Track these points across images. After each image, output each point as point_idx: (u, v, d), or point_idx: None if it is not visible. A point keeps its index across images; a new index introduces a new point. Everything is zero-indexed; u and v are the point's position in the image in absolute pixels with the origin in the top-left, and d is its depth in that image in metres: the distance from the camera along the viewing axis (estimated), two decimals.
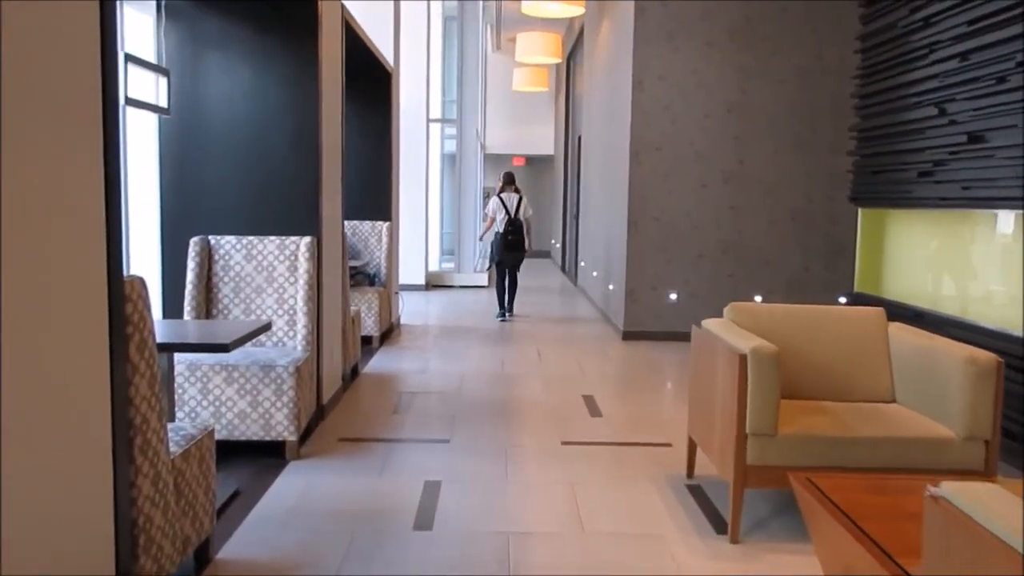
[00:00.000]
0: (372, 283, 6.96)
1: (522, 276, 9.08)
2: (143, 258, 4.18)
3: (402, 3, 8.01)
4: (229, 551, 2.78)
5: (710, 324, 3.46)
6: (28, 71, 1.55)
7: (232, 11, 4.11)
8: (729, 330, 3.25)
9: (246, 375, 3.66)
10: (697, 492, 3.47)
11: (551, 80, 17.49)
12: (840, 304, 6.53)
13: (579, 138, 12.71)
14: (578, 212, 12.67)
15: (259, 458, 3.72)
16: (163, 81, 3.80)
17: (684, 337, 7.16)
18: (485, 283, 11.76)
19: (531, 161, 20.21)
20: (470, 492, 3.43)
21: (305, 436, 4.06)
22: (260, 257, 4.12)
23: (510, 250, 8.53)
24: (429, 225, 11.33)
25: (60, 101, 1.68)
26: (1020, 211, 3.79)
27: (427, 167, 10.91)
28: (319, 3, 4.18)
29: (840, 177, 6.94)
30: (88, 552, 1.81)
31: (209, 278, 4.10)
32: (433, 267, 12.34)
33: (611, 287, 8.39)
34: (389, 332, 7.24)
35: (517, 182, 9.13)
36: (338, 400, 4.88)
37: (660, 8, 7.24)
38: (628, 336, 7.45)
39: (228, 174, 4.20)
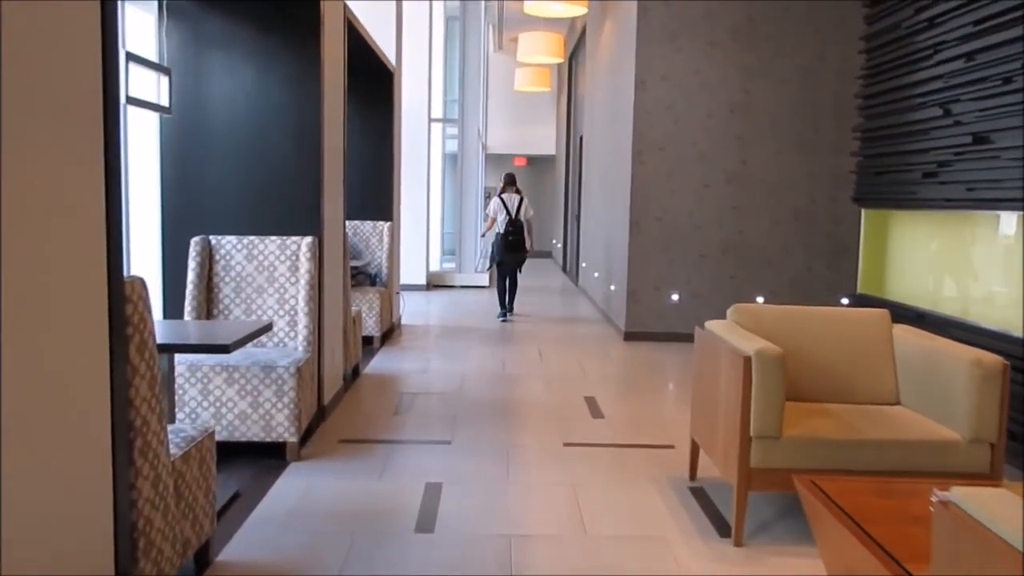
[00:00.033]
0: (373, 283, 6.95)
1: (523, 276, 9.08)
2: (144, 258, 4.16)
3: (404, 3, 8.00)
4: (229, 553, 2.77)
5: (713, 325, 3.44)
6: (28, 70, 1.53)
7: (234, 11, 4.09)
8: (733, 332, 3.24)
9: (247, 376, 3.64)
10: (700, 494, 3.45)
11: (553, 80, 17.47)
12: (842, 305, 6.51)
13: (581, 138, 12.70)
14: (579, 212, 12.65)
15: (259, 459, 3.70)
16: (164, 80, 3.79)
17: (686, 338, 7.21)
18: (486, 283, 11.75)
19: (532, 161, 20.19)
20: (471, 494, 3.42)
21: (306, 437, 4.04)
22: (261, 257, 4.10)
23: (511, 250, 8.52)
24: (430, 225, 11.31)
25: (60, 100, 1.66)
26: None
27: (428, 167, 10.89)
28: (321, 3, 4.16)
29: (843, 177, 6.93)
30: (87, 555, 1.79)
31: (210, 278, 4.09)
32: (434, 267, 12.33)
33: (613, 287, 8.37)
34: (390, 332, 7.23)
35: (518, 182, 9.13)
36: (339, 401, 4.86)
37: (663, 8, 7.22)
38: (630, 337, 7.43)
39: (229, 174, 4.18)
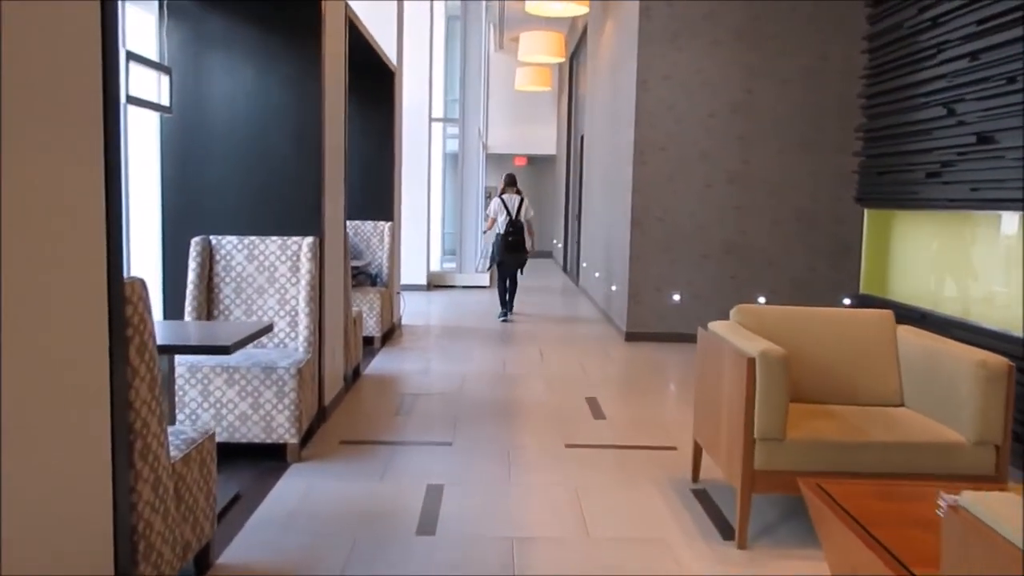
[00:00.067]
0: (374, 283, 6.93)
1: (523, 277, 9.07)
2: (144, 258, 4.15)
3: (405, 2, 7.98)
4: (230, 556, 2.75)
5: (716, 326, 3.42)
6: (28, 69, 1.51)
7: (235, 10, 4.07)
8: (736, 333, 3.22)
9: (247, 377, 3.63)
10: (703, 496, 3.43)
11: (553, 80, 17.45)
12: (844, 305, 6.50)
13: (581, 138, 12.68)
14: (580, 212, 12.64)
15: (260, 460, 3.69)
16: (165, 79, 3.77)
17: (687, 338, 7.20)
18: (487, 283, 11.73)
19: (533, 161, 20.18)
20: (473, 496, 3.40)
21: (307, 438, 4.02)
22: (262, 257, 4.08)
23: (511, 251, 8.52)
24: (431, 225, 11.29)
25: (60, 99, 1.64)
26: None
27: (429, 167, 10.88)
28: (323, 2, 4.15)
29: (846, 177, 6.90)
30: (86, 558, 1.78)
31: (210, 279, 4.07)
32: (435, 267, 12.31)
33: (614, 288, 8.35)
34: (391, 333, 7.21)
35: (519, 182, 9.12)
36: (340, 402, 4.84)
37: (665, 8, 7.20)
38: (631, 337, 7.41)
39: (230, 174, 4.17)
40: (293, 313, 4.07)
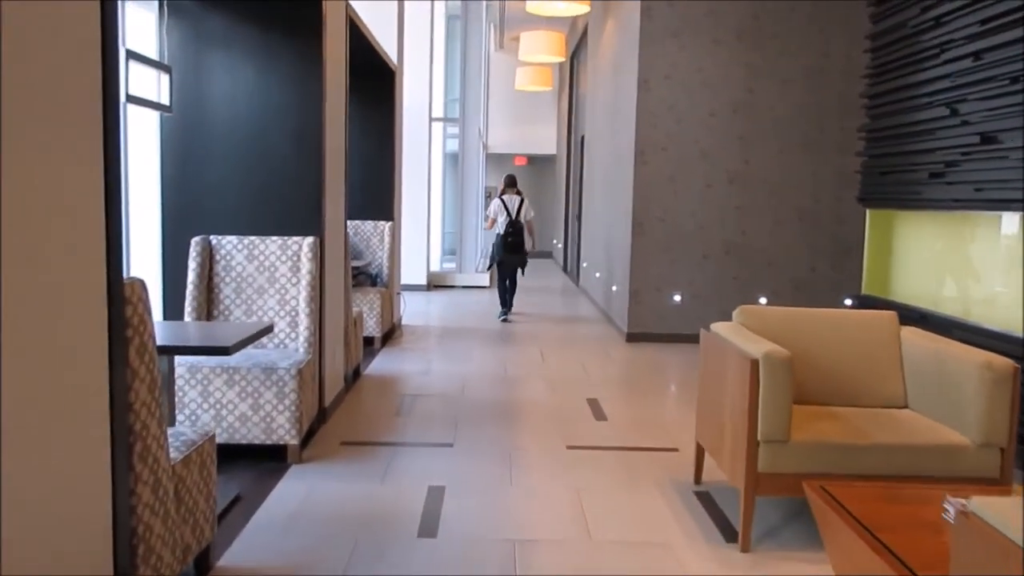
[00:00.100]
0: (374, 283, 6.91)
1: (524, 276, 9.05)
2: (143, 258, 4.12)
3: (406, 2, 7.96)
4: (230, 558, 2.73)
5: (719, 328, 3.41)
6: (27, 68, 1.50)
7: (236, 9, 4.05)
8: (739, 334, 3.20)
9: (247, 378, 3.61)
10: (705, 499, 3.41)
11: (554, 79, 17.42)
12: (846, 306, 6.48)
13: (582, 138, 12.66)
14: (580, 212, 12.62)
15: (260, 462, 3.67)
16: (165, 78, 3.75)
17: (688, 339, 7.19)
18: (487, 283, 11.72)
19: (533, 161, 20.16)
20: (474, 498, 3.38)
21: (307, 439, 4.01)
22: (262, 258, 4.06)
23: (510, 252, 8.53)
24: (431, 225, 11.28)
25: (60, 98, 1.62)
26: None
27: (429, 166, 10.86)
28: (324, 2, 4.13)
29: (848, 177, 6.89)
30: (86, 561, 1.76)
31: (210, 279, 4.05)
32: (435, 267, 12.29)
33: (614, 288, 8.33)
34: (391, 333, 7.19)
35: (519, 182, 9.10)
36: (340, 402, 4.83)
37: (666, 7, 7.18)
38: (631, 338, 7.39)
39: (230, 173, 4.15)
40: (293, 313, 4.05)
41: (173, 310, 4.06)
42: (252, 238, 4.07)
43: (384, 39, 6.77)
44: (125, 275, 1.94)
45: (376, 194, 7.19)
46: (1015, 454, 2.89)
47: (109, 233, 1.81)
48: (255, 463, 3.65)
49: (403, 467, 3.76)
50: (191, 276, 3.97)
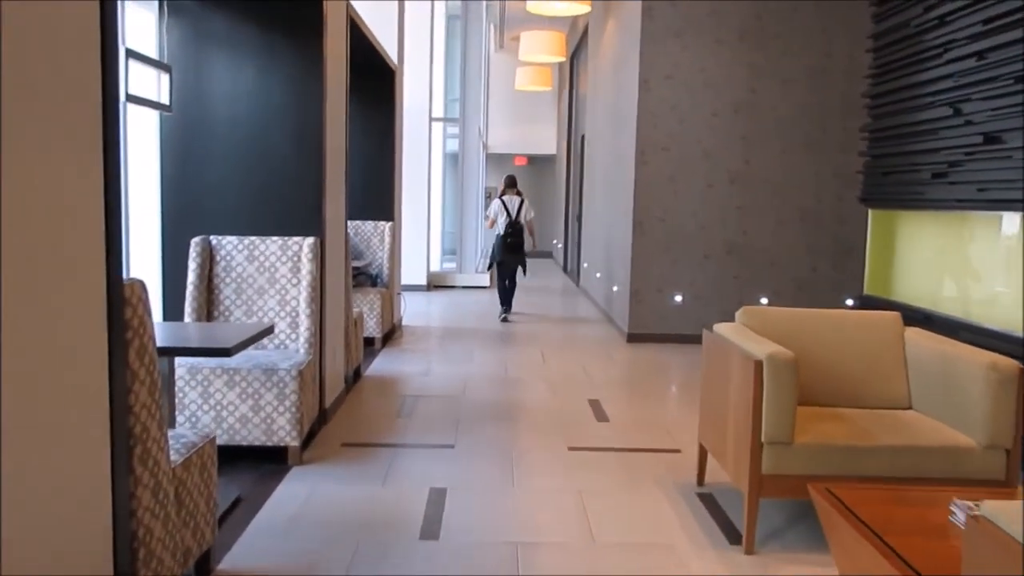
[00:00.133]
0: (374, 284, 6.89)
1: (525, 277, 9.04)
2: (143, 258, 4.10)
3: (406, 1, 7.94)
4: (231, 562, 2.71)
5: (722, 328, 3.39)
6: (26, 67, 1.48)
7: (236, 8, 4.03)
8: (742, 335, 3.18)
9: (248, 379, 3.59)
10: (708, 500, 3.39)
11: (554, 79, 17.41)
12: (847, 306, 6.46)
13: (582, 137, 12.64)
14: (580, 212, 12.60)
15: (261, 464, 3.65)
16: (165, 78, 3.73)
17: (689, 339, 7.17)
18: (487, 284, 11.70)
19: (533, 161, 20.14)
20: (476, 500, 3.36)
21: (308, 441, 3.99)
22: (262, 258, 4.04)
23: (510, 252, 8.54)
24: (431, 225, 11.26)
25: (59, 98, 1.60)
26: None
27: (429, 166, 10.84)
28: (324, 1, 4.10)
29: (850, 177, 6.88)
30: (86, 565, 1.74)
31: (210, 279, 4.03)
32: (435, 267, 12.27)
33: (615, 288, 8.31)
34: (391, 333, 7.17)
35: (519, 182, 9.09)
36: (341, 404, 4.80)
37: (668, 7, 7.17)
38: (632, 338, 7.38)
39: (230, 173, 4.12)
40: (294, 314, 4.03)
41: (173, 311, 4.04)
42: (252, 238, 4.05)
43: (384, 39, 6.75)
44: (125, 276, 1.92)
45: (376, 194, 7.17)
46: (1021, 456, 2.87)
47: (109, 234, 1.79)
48: (256, 465, 3.63)
49: (404, 469, 3.74)
50: (191, 276, 3.95)
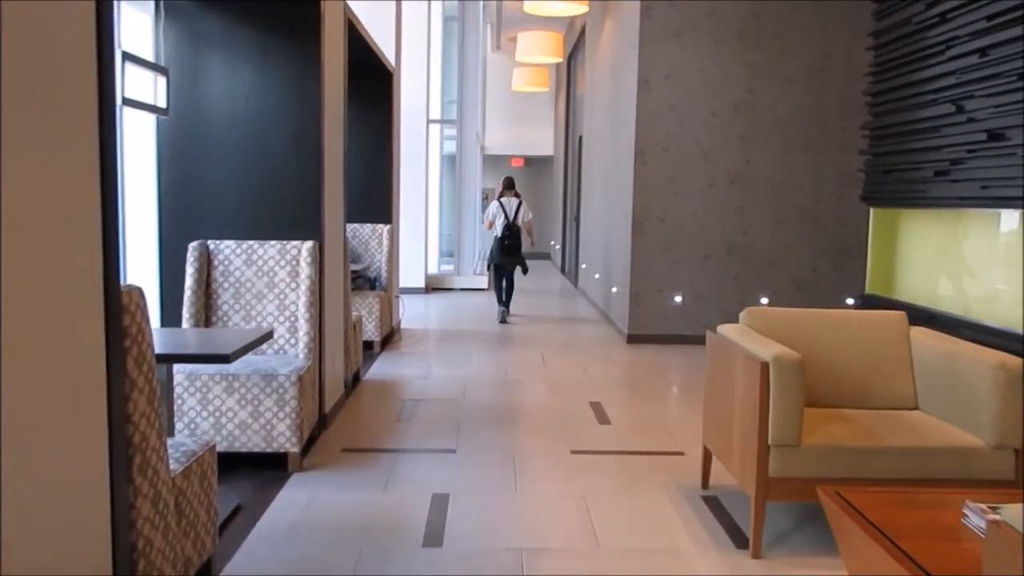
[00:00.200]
0: (373, 287, 6.85)
1: (525, 277, 9.01)
2: (140, 263, 4.06)
3: (403, 2, 7.90)
4: (232, 570, 2.67)
5: (726, 330, 3.36)
6: (20, 70, 1.44)
7: (233, 10, 4.00)
8: (747, 336, 3.15)
9: (247, 385, 3.55)
10: (713, 503, 3.36)
11: (551, 80, 17.39)
12: (848, 306, 6.44)
13: (580, 138, 12.62)
14: (579, 213, 12.57)
15: (261, 470, 3.61)
16: (162, 81, 3.69)
17: (690, 340, 7.15)
18: (485, 286, 11.67)
19: (530, 162, 20.10)
20: (479, 505, 3.32)
21: (308, 447, 3.95)
22: (260, 262, 4.01)
23: (507, 254, 8.53)
24: (428, 227, 11.22)
25: (54, 101, 1.57)
26: None
27: (427, 168, 10.80)
28: (322, 2, 4.07)
29: (849, 176, 6.86)
30: None
31: (208, 284, 3.99)
32: (432, 270, 12.23)
33: (615, 289, 8.28)
34: (390, 337, 7.13)
35: (516, 183, 9.06)
36: (340, 408, 4.76)
37: (667, 8, 7.14)
38: (632, 339, 7.34)
39: (228, 177, 4.09)
40: (293, 319, 4.00)
41: (171, 316, 4.00)
42: (250, 242, 4.02)
43: (382, 40, 6.72)
44: (122, 282, 1.89)
45: (374, 197, 7.13)
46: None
47: (106, 239, 1.75)
48: (255, 472, 3.59)
49: (406, 474, 3.70)
50: (189, 281, 3.91)
